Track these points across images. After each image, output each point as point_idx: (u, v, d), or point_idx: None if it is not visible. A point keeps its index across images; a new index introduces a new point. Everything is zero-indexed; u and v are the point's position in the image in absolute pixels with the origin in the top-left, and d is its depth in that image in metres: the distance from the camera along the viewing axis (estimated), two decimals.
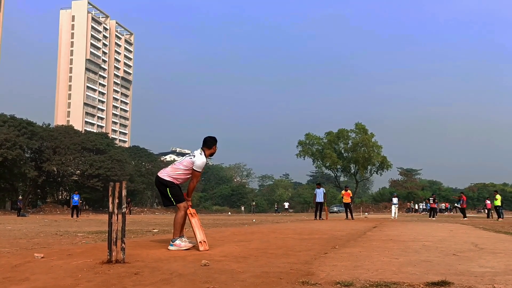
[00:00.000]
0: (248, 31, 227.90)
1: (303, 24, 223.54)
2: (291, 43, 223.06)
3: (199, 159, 5.58)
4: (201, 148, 5.73)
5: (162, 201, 5.78)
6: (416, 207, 58.97)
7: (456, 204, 33.87)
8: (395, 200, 27.59)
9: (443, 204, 61.72)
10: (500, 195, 25.92)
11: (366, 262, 4.45)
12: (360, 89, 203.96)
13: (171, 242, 5.51)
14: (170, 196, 5.56)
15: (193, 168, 5.58)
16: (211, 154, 5.81)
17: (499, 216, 24.16)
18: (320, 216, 20.21)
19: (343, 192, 22.46)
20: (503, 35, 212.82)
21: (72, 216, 26.80)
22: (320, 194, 20.53)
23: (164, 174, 5.64)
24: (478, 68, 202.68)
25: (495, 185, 78.29)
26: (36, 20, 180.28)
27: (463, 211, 26.35)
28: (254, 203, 61.70)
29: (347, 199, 21.64)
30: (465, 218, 24.40)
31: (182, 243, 5.46)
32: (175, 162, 5.83)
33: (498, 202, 24.89)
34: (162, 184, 5.60)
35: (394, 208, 26.91)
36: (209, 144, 5.74)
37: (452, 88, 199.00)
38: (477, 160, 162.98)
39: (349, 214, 21.11)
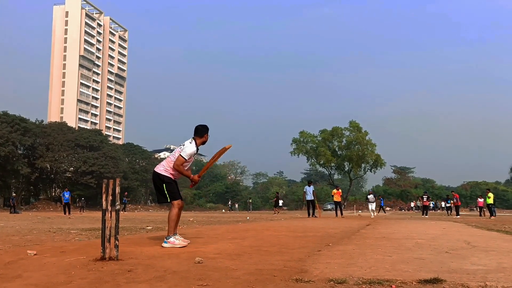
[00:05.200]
0: (242, 29, 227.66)
1: (297, 23, 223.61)
2: (286, 41, 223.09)
3: (189, 147, 5.53)
4: (192, 138, 5.67)
5: (157, 198, 5.70)
6: (412, 204, 59.05)
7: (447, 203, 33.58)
8: (370, 197, 25.39)
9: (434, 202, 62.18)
10: (492, 193, 26.10)
11: (360, 260, 4.47)
12: (354, 88, 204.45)
13: (165, 239, 5.49)
14: (165, 192, 5.49)
15: (180, 154, 5.50)
16: (203, 143, 5.74)
17: (491, 214, 24.33)
18: (313, 214, 20.35)
19: (334, 191, 22.87)
20: (498, 34, 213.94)
21: (64, 213, 26.72)
22: (310, 192, 20.68)
23: (161, 168, 5.57)
24: (472, 66, 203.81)
25: (488, 183, 78.80)
26: (29, 15, 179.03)
27: (457, 209, 26.68)
28: (250, 200, 61.86)
29: (337, 198, 22.15)
30: (457, 216, 24.58)
31: (176, 241, 5.43)
32: (169, 156, 5.77)
33: (490, 200, 25.07)
34: (159, 179, 5.53)
35: (370, 206, 24.97)
36: (200, 133, 5.68)
37: (445, 87, 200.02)
38: (470, 158, 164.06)
39: (339, 212, 21.63)
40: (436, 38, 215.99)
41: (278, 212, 31.98)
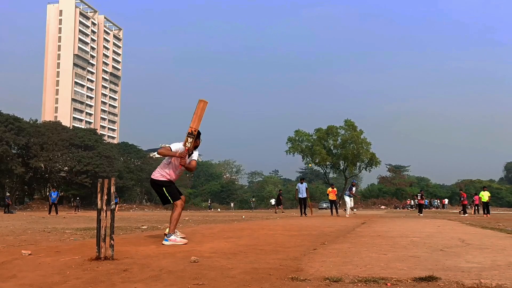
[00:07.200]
0: (237, 29, 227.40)
1: (293, 22, 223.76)
2: (282, 41, 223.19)
3: (175, 144, 5.70)
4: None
5: (161, 201, 5.94)
6: (412, 202, 59.22)
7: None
8: (353, 190, 21.63)
9: (437, 200, 62.65)
10: (488, 191, 26.25)
11: (355, 258, 4.48)
12: (350, 87, 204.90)
13: (166, 237, 5.61)
14: (167, 195, 5.72)
15: (169, 146, 5.72)
16: (195, 147, 5.88)
17: (486, 212, 24.45)
18: (304, 212, 20.05)
19: (329, 189, 22.32)
20: (500, 33, 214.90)
21: (56, 213, 26.53)
22: (303, 190, 20.41)
23: (157, 174, 5.79)
24: (468, 66, 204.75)
25: (482, 181, 79.21)
26: (23, 14, 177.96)
27: (464, 207, 26.97)
28: (253, 199, 61.95)
29: (332, 196, 21.72)
30: (465, 214, 24.77)
31: (177, 238, 5.61)
32: (163, 161, 5.97)
33: (485, 198, 25.18)
34: (158, 185, 5.77)
35: (348, 200, 21.10)
36: None
37: (441, 86, 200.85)
38: (464, 157, 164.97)
39: (334, 211, 21.30)
40: (433, 37, 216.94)
41: (276, 212, 30.93)
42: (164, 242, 5.53)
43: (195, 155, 5.84)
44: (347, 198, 21.35)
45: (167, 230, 5.94)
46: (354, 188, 21.94)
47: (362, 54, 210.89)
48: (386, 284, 3.17)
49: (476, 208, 29.13)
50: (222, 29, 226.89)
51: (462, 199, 27.70)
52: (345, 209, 21.26)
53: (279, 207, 32.40)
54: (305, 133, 65.66)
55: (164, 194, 5.73)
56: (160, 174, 5.76)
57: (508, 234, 8.22)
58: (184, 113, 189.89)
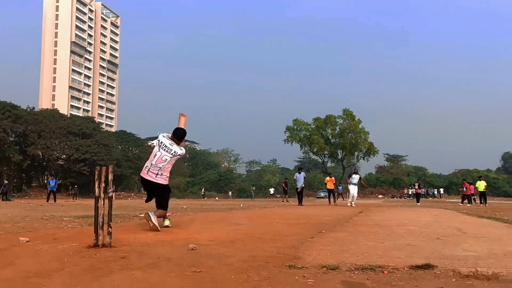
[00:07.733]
0: (235, 16, 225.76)
1: (290, 11, 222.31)
2: (279, 28, 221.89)
3: (180, 149, 5.94)
4: (170, 137, 6.03)
5: (159, 204, 6.06)
6: (410, 192, 59.46)
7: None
8: (355, 178, 19.01)
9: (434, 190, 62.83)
10: (484, 181, 26.30)
11: (352, 246, 4.50)
12: (348, 76, 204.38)
13: (168, 219, 5.96)
14: (167, 201, 6.01)
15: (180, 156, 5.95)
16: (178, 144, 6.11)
17: (485, 202, 24.55)
18: (301, 202, 20.14)
19: (327, 178, 22.33)
20: (502, 29, 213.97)
21: (55, 201, 26.60)
22: (300, 179, 20.37)
23: (164, 177, 5.86)
24: (461, 54, 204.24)
25: (479, 171, 79.47)
26: (19, 0, 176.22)
27: (468, 197, 26.89)
28: (253, 188, 62.14)
29: (330, 186, 21.79)
30: (469, 204, 24.83)
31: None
32: (163, 163, 5.84)
33: (482, 188, 25.27)
34: (167, 188, 5.96)
35: (352, 189, 18.87)
36: (180, 137, 6.07)
37: (437, 77, 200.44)
38: (461, 147, 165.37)
39: (332, 200, 21.39)
40: (429, 33, 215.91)
41: (284, 200, 29.65)
42: (166, 222, 5.82)
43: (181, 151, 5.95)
44: (351, 188, 19.00)
45: (167, 222, 6.04)
46: (354, 175, 19.21)
47: (360, 46, 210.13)
48: (383, 272, 3.19)
49: (471, 197, 29.23)
50: (220, 15, 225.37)
51: (465, 189, 27.30)
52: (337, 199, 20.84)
53: (286, 195, 32.82)
54: (303, 122, 65.61)
55: (167, 199, 5.92)
56: (166, 177, 5.85)
57: (505, 223, 8.26)
58: (181, 101, 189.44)
